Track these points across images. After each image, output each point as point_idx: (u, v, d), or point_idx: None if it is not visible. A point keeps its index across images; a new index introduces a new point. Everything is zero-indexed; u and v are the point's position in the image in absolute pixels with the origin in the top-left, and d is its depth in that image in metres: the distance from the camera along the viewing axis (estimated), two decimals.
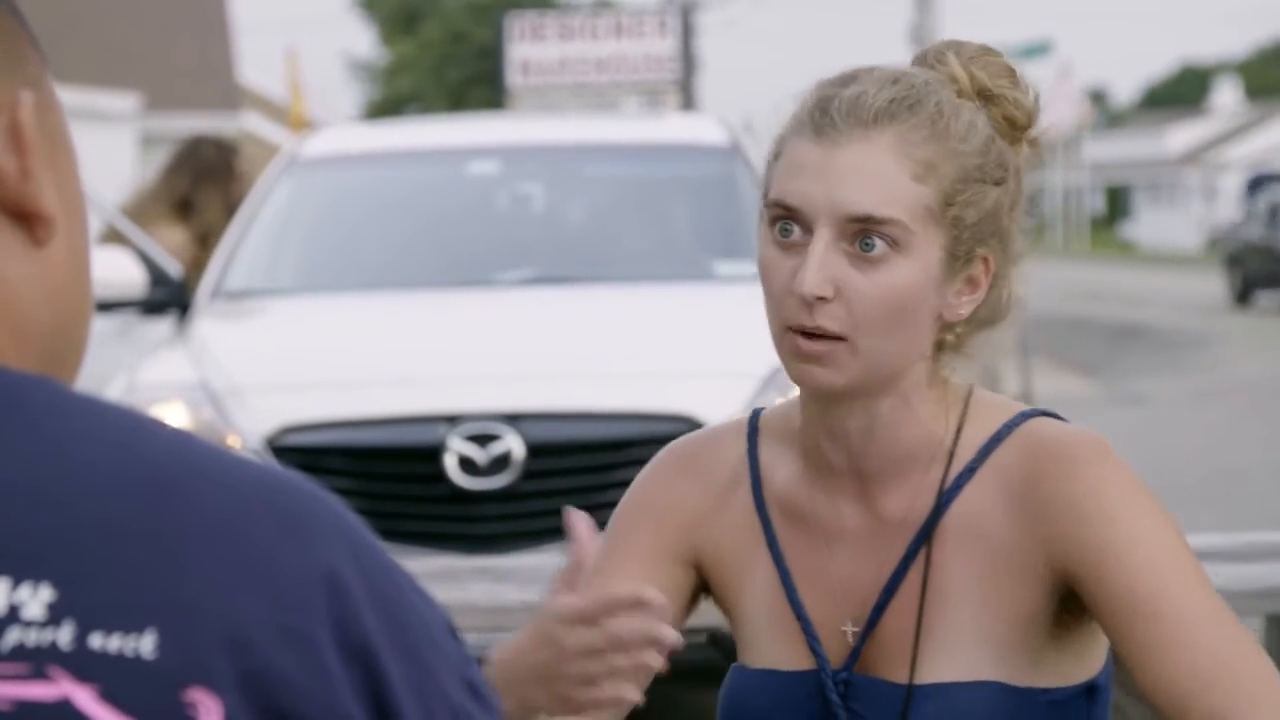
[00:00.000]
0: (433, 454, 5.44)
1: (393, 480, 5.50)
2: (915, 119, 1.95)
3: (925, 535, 2.00)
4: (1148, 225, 70.79)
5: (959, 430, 2.01)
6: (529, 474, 5.44)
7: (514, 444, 5.43)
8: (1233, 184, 63.12)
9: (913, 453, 2.01)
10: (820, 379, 1.96)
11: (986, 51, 2.05)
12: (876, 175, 1.93)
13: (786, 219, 1.96)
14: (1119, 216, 75.33)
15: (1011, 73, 2.04)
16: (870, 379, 1.97)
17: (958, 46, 2.05)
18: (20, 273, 1.21)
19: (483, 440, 5.43)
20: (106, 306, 6.72)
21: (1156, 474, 11.88)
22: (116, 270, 6.66)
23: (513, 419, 5.46)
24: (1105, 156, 71.85)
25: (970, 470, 2.00)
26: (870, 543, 2.03)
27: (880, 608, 2.01)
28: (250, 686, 1.11)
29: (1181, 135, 69.64)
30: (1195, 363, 21.03)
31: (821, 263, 1.93)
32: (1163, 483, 11.43)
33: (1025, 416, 2.02)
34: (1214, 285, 33.87)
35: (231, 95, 32.91)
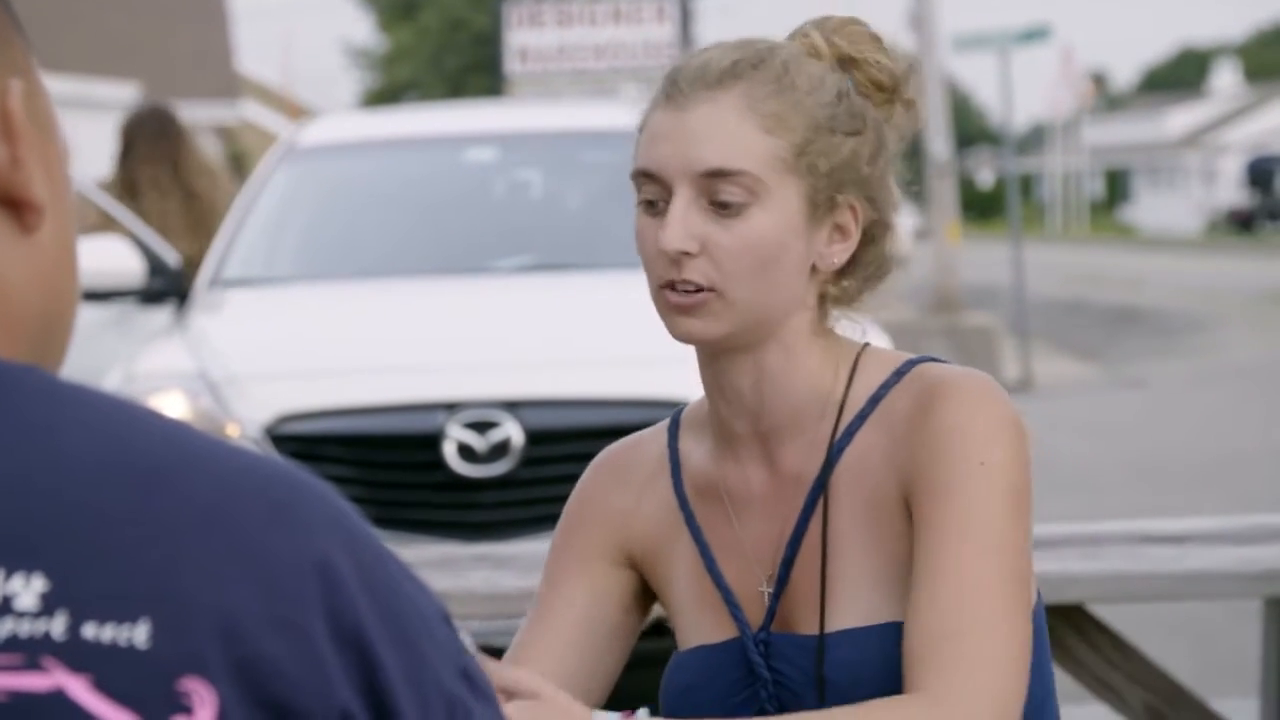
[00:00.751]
0: (432, 441, 5.43)
1: (392, 468, 5.50)
2: (760, 75, 2.03)
3: (820, 487, 2.06)
4: (1147, 208, 70.80)
5: (850, 382, 2.07)
6: (528, 461, 5.44)
7: (513, 431, 5.43)
8: (1232, 166, 63.09)
9: (805, 405, 2.07)
10: (696, 330, 2.03)
11: (851, 22, 2.11)
12: (724, 130, 2.01)
13: (649, 187, 2.04)
14: (1118, 200, 75.31)
15: (875, 39, 2.11)
16: (746, 328, 2.04)
17: (822, 21, 2.12)
18: (9, 261, 1.21)
19: (482, 427, 5.43)
20: (104, 296, 6.70)
21: (1157, 457, 11.89)
22: (114, 259, 6.64)
23: (512, 406, 5.46)
24: (1104, 140, 71.81)
25: (861, 418, 2.06)
26: (774, 502, 2.09)
27: (788, 563, 2.07)
28: (244, 676, 1.11)
29: (1181, 118, 69.61)
30: (1195, 345, 21.03)
31: (682, 220, 2.01)
32: (1163, 466, 11.45)
33: (913, 363, 2.07)
34: (1214, 268, 33.84)
35: (230, 83, 32.91)
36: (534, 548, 4.02)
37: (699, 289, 2.01)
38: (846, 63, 2.08)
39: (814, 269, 2.05)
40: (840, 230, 2.05)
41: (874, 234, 2.07)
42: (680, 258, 2.01)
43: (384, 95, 54.04)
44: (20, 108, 1.21)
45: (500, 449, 5.42)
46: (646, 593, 2.18)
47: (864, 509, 2.04)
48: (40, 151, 1.23)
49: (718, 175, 2.01)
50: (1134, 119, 75.45)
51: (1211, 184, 65.19)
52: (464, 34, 52.56)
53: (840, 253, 2.05)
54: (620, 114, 7.94)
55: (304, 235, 6.92)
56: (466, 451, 5.41)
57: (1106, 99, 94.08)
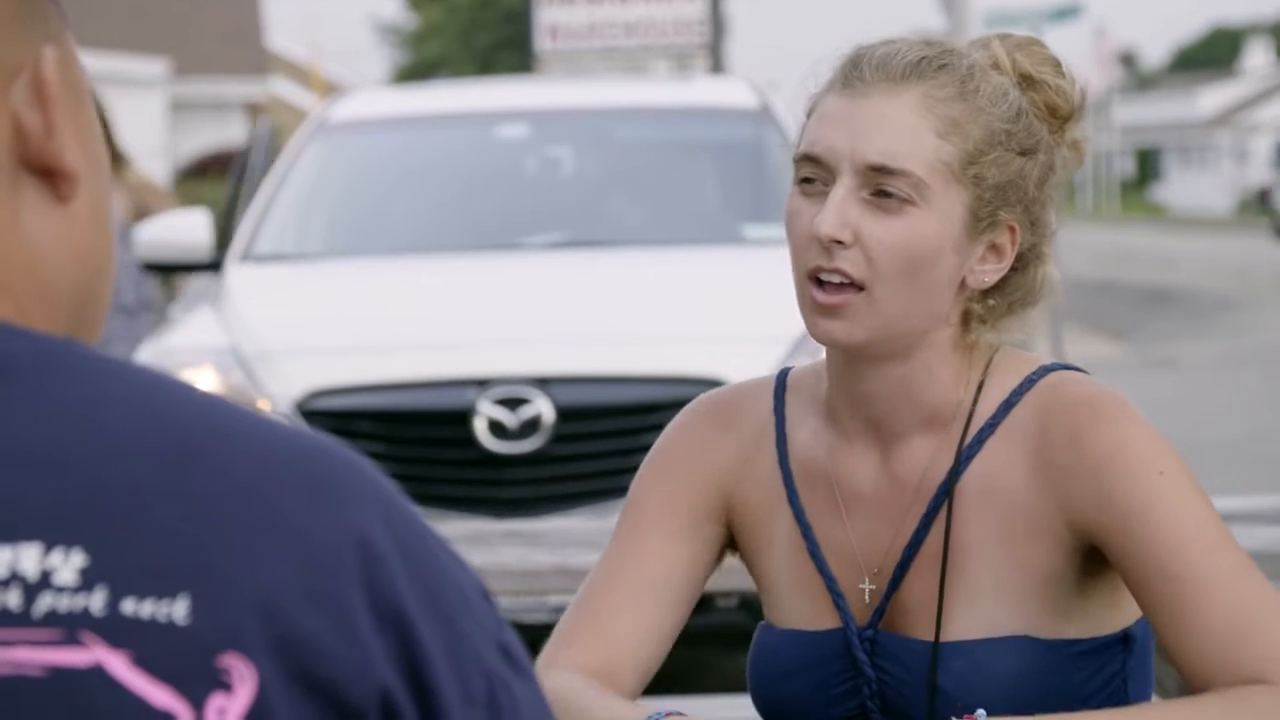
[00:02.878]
0: (462, 418, 5.43)
1: (422, 444, 5.50)
2: (943, 78, 1.99)
3: (946, 493, 2.01)
4: (1178, 188, 70.60)
5: (979, 389, 2.03)
6: (559, 438, 5.43)
7: (544, 408, 5.43)
8: (1264, 146, 62.88)
9: (934, 414, 2.03)
10: (838, 334, 1.98)
11: (1032, 41, 2.08)
12: (898, 126, 1.97)
13: (812, 168, 1.99)
14: (1149, 179, 75.10)
15: (1056, 63, 2.07)
16: (888, 335, 1.99)
17: (1005, 35, 2.08)
18: (45, 231, 1.20)
19: (512, 404, 5.43)
20: (179, 269, 6.72)
21: (1190, 437, 11.86)
22: (188, 233, 6.65)
23: (542, 383, 5.45)
24: (1135, 119, 71.59)
25: (991, 426, 2.02)
26: (887, 505, 2.05)
27: (904, 565, 2.03)
28: (283, 651, 1.10)
29: (1212, 97, 69.38)
30: (1227, 326, 20.96)
31: (840, 207, 1.96)
32: (1196, 446, 11.41)
33: (1045, 371, 2.03)
34: (1245, 247, 33.74)
35: (261, 60, 32.92)
36: (566, 524, 4.01)
37: (846, 282, 1.96)
38: (1026, 81, 2.04)
39: (963, 284, 2.01)
40: (996, 250, 2.01)
41: (1027, 260, 2.03)
42: (832, 246, 1.96)
43: (414, 72, 54.06)
44: (55, 75, 1.20)
45: (531, 425, 5.41)
46: (727, 547, 2.14)
47: (996, 521, 2.00)
48: (74, 120, 1.22)
49: (883, 170, 1.96)
50: (1165, 98, 75.20)
51: (1243, 163, 64.99)
52: (494, 11, 52.53)
53: (992, 272, 2.01)
54: (650, 90, 7.93)
55: (335, 211, 6.91)
56: (497, 428, 5.41)
57: (1138, 78, 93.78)
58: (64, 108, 1.21)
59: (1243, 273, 28.92)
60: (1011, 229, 2.00)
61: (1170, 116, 71.18)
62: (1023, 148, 2.00)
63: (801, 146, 2.01)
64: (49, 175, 1.20)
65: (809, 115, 2.03)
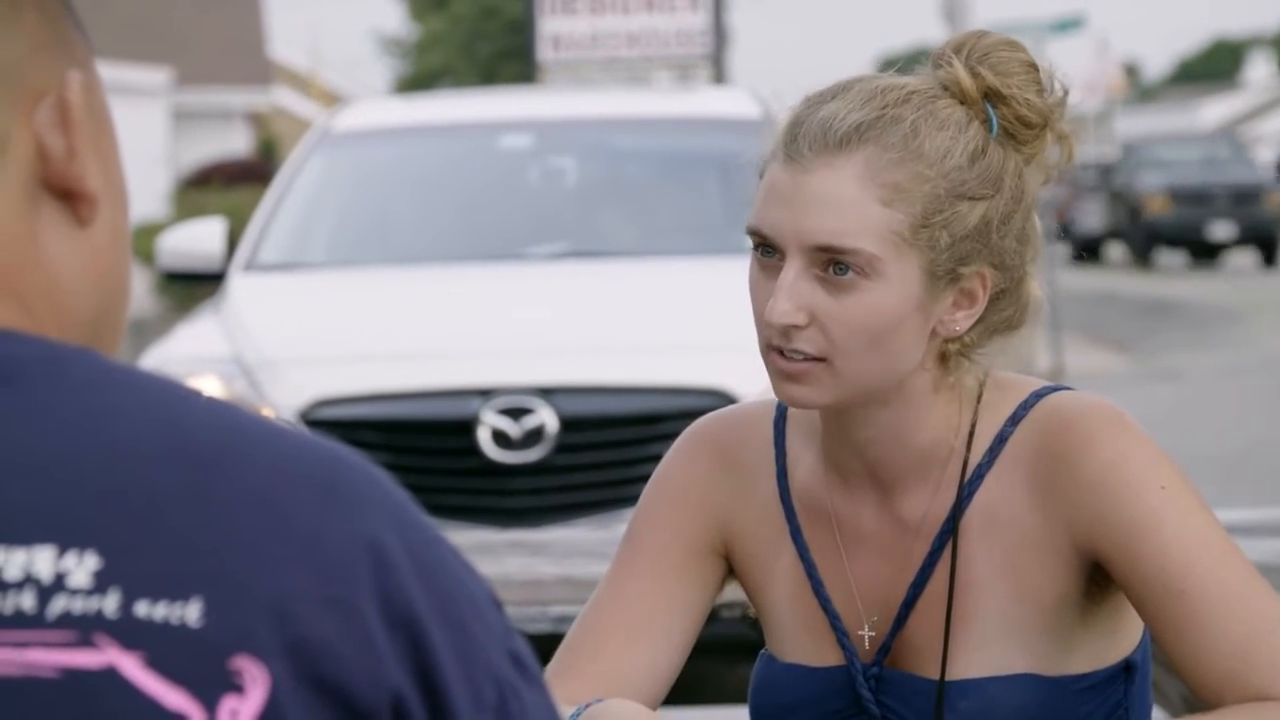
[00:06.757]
0: (466, 427, 5.44)
1: (426, 454, 5.51)
2: (884, 141, 1.91)
3: (950, 531, 1.98)
4: None
5: (974, 423, 1.99)
6: (562, 448, 5.44)
7: (547, 417, 5.43)
8: (1265, 158, 62.90)
9: (928, 455, 1.99)
10: (801, 397, 1.94)
11: (1004, 45, 1.97)
12: (840, 203, 1.90)
13: (764, 240, 1.95)
14: None
15: (1029, 68, 1.97)
16: (857, 395, 1.95)
17: (974, 41, 1.98)
18: (65, 253, 1.21)
19: (516, 414, 5.44)
20: (201, 278, 6.74)
21: (1191, 449, 11.87)
22: (207, 242, 6.67)
23: (546, 393, 5.46)
24: (1137, 130, 71.62)
25: (989, 461, 1.98)
26: (890, 546, 2.01)
27: (909, 604, 2.00)
28: (296, 655, 1.11)
29: (1214, 109, 69.42)
30: (1228, 338, 20.96)
31: (791, 291, 1.91)
32: (1198, 458, 11.42)
33: (1038, 396, 1.99)
34: (1247, 260, 33.78)
35: (263, 70, 32.97)
36: (570, 534, 4.01)
37: (808, 357, 1.92)
38: (992, 97, 1.95)
39: (933, 334, 1.95)
40: (967, 296, 1.95)
41: (1003, 293, 1.97)
42: (789, 329, 1.92)
43: (416, 82, 54.09)
44: (79, 100, 1.22)
45: (534, 435, 5.42)
46: (727, 576, 2.11)
47: (1005, 554, 1.97)
48: (96, 144, 1.23)
49: (830, 250, 1.91)
50: (1167, 110, 75.23)
51: None
52: (496, 22, 52.56)
53: (965, 319, 1.95)
54: (653, 100, 7.93)
55: (339, 220, 6.93)
56: (501, 438, 5.42)
57: (1139, 89, 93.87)
58: (86, 132, 1.22)
59: (1244, 285, 28.93)
60: (981, 275, 1.95)
61: (1172, 128, 71.21)
62: (979, 194, 1.93)
63: (751, 219, 1.96)
64: (69, 198, 1.21)
65: (761, 177, 1.98)
